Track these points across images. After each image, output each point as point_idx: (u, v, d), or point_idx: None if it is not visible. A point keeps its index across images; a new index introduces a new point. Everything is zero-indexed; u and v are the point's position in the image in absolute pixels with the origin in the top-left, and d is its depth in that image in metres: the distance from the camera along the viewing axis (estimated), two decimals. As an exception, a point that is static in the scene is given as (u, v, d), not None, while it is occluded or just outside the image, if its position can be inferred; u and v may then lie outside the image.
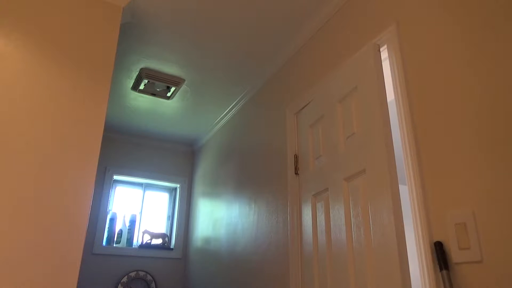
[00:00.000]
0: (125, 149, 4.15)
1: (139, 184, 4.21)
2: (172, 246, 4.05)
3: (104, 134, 3.97)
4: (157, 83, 3.05)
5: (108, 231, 3.80)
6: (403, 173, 1.56)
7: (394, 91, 1.66)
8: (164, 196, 4.36)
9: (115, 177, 4.04)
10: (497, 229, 1.17)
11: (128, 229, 3.90)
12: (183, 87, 3.17)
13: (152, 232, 3.95)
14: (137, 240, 3.95)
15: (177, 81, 3.04)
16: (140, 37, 2.57)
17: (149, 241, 3.91)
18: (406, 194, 1.53)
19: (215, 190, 3.58)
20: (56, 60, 1.90)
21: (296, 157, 2.24)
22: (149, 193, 4.25)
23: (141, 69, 2.93)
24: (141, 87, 3.10)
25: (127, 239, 3.86)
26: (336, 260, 1.72)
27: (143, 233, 3.91)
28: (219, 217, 3.36)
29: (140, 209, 4.12)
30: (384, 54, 1.77)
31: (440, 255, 1.29)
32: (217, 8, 2.30)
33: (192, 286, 3.70)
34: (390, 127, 1.59)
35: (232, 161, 3.30)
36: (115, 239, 3.82)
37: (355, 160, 1.70)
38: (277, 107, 2.67)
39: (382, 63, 1.74)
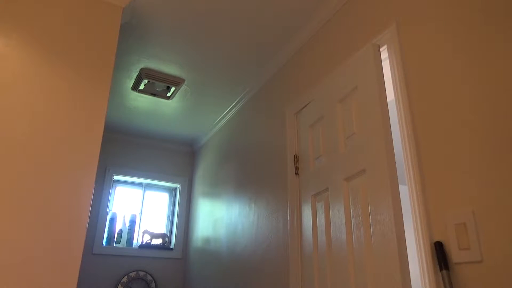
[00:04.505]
0: (125, 149, 4.15)
1: (139, 184, 4.21)
2: (172, 246, 4.05)
3: (104, 134, 3.97)
4: (157, 83, 3.05)
5: (108, 231, 3.80)
6: (403, 173, 1.56)
7: (394, 91, 1.66)
8: (164, 196, 4.36)
9: (115, 177, 4.04)
10: (497, 229, 1.17)
11: (128, 229, 3.90)
12: (183, 87, 3.17)
13: (152, 232, 3.95)
14: (137, 240, 3.95)
15: (177, 81, 3.04)
16: (140, 37, 2.57)
17: (149, 241, 3.91)
18: (406, 194, 1.53)
19: (215, 190, 3.58)
20: (56, 60, 1.90)
21: (296, 157, 2.24)
22: (149, 193, 4.25)
23: (141, 69, 2.93)
24: (141, 87, 3.10)
25: (127, 239, 3.86)
26: (336, 260, 1.72)
27: (143, 233, 3.91)
28: (219, 217, 3.36)
29: (140, 209, 4.12)
30: (384, 54, 1.77)
31: (440, 255, 1.29)
32: (217, 8, 2.30)
33: (192, 286, 3.70)
34: (390, 127, 1.59)
35: (232, 161, 3.30)
36: (115, 239, 3.82)
37: (355, 160, 1.70)
38: (277, 107, 2.67)
39: (382, 63, 1.74)
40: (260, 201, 2.67)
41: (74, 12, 2.03)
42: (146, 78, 2.96)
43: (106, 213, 3.85)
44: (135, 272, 3.75)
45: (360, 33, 1.95)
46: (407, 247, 1.41)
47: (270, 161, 2.64)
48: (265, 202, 2.59)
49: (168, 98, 3.29)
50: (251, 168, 2.91)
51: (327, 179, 1.88)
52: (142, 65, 2.89)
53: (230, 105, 3.45)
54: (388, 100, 1.78)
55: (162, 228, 4.22)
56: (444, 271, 1.25)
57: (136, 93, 3.26)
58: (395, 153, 1.59)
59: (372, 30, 1.86)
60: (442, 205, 1.35)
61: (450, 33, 1.45)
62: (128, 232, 3.89)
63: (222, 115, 3.62)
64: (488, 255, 1.18)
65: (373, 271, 1.50)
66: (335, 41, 2.16)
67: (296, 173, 2.21)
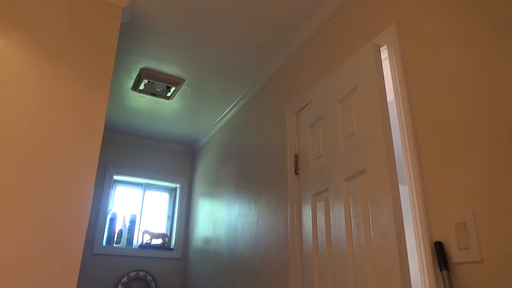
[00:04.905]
0: (125, 149, 4.15)
1: (139, 184, 4.21)
2: (172, 246, 4.05)
3: (104, 134, 3.97)
4: (157, 83, 3.05)
5: (108, 231, 3.80)
6: (403, 173, 1.56)
7: (394, 91, 1.66)
8: (164, 196, 4.36)
9: (115, 177, 4.04)
10: (497, 229, 1.17)
11: (128, 229, 3.90)
12: (183, 87, 3.17)
13: (152, 232, 3.95)
14: (137, 240, 3.95)
15: (177, 81, 3.04)
16: (140, 37, 2.57)
17: (149, 241, 3.91)
18: (406, 194, 1.53)
19: (215, 190, 3.58)
20: (56, 60, 1.90)
21: (296, 157, 2.24)
22: (149, 193, 4.25)
23: (141, 69, 2.93)
24: (141, 87, 3.10)
25: (127, 239, 3.86)
26: (336, 260, 1.72)
27: (143, 233, 3.91)
28: (219, 217, 3.36)
29: (140, 209, 4.12)
30: (384, 54, 1.77)
31: (440, 255, 1.29)
32: (217, 9, 2.30)
33: (192, 286, 3.70)
34: (390, 127, 1.59)
35: (232, 161, 3.31)
36: (115, 239, 3.82)
37: (355, 160, 1.70)
38: (277, 107, 2.67)
39: (382, 63, 1.74)
40: (260, 201, 2.67)
41: (74, 12, 2.03)
42: (146, 78, 2.96)
43: (106, 213, 3.85)
44: (135, 272, 3.75)
45: (360, 33, 1.95)
46: (407, 247, 1.41)
47: (270, 161, 2.64)
48: (265, 202, 2.59)
49: (168, 98, 3.29)
50: (251, 168, 2.91)
51: (327, 179, 1.88)
52: (142, 65, 2.89)
53: (230, 105, 3.45)
54: (388, 100, 1.78)
55: (162, 228, 4.22)
56: (444, 271, 1.25)
57: (136, 93, 3.26)
58: (395, 153, 1.59)
59: (372, 30, 1.86)
60: (442, 205, 1.35)
61: (450, 33, 1.45)
62: (128, 232, 3.89)
63: (222, 115, 3.62)
64: (488, 255, 1.18)
65: (373, 271, 1.50)
66: (335, 41, 2.16)
67: (296, 173, 2.21)
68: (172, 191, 4.40)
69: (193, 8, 2.31)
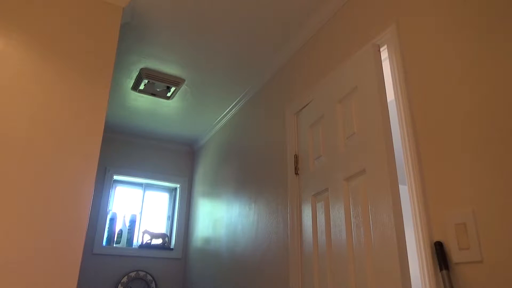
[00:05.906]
0: (125, 149, 4.15)
1: (139, 184, 4.21)
2: (172, 246, 4.05)
3: (104, 134, 3.97)
4: (157, 83, 3.05)
5: (108, 231, 3.80)
6: (403, 173, 1.56)
7: (394, 91, 1.66)
8: (164, 196, 4.36)
9: (115, 177, 4.04)
10: (497, 229, 1.17)
11: (128, 229, 3.90)
12: (183, 87, 3.17)
13: (152, 232, 3.95)
14: (137, 240, 3.95)
15: (177, 81, 3.04)
16: (140, 37, 2.57)
17: (149, 241, 3.91)
18: (406, 194, 1.53)
19: (215, 190, 3.58)
20: (56, 60, 1.90)
21: (296, 157, 2.24)
22: (149, 193, 4.25)
23: (141, 69, 2.93)
24: (141, 87, 3.10)
25: (127, 239, 3.86)
26: (336, 260, 1.72)
27: (143, 233, 3.91)
28: (219, 217, 3.36)
29: (140, 209, 4.12)
30: (384, 54, 1.77)
31: (440, 255, 1.29)
32: (217, 8, 2.30)
33: (192, 286, 3.70)
34: (390, 127, 1.59)
35: (232, 161, 3.31)
36: (115, 239, 3.82)
37: (355, 160, 1.70)
38: (277, 107, 2.67)
39: (382, 63, 1.74)
40: (260, 201, 2.67)
41: (74, 12, 2.03)
42: (146, 78, 2.96)
43: (106, 213, 3.85)
44: (135, 272, 3.75)
45: (360, 33, 1.95)
46: (407, 247, 1.41)
47: (270, 161, 2.64)
48: (265, 202, 2.59)
49: (168, 98, 3.29)
50: (251, 168, 2.91)
51: (327, 179, 1.88)
52: (142, 65, 2.89)
53: (230, 105, 3.45)
54: (388, 100, 1.78)
55: (162, 228, 4.22)
56: (444, 271, 1.25)
57: (136, 93, 3.26)
58: (395, 153, 1.59)
59: (372, 30, 1.86)
60: (442, 205, 1.35)
61: (450, 33, 1.45)
62: (128, 232, 3.89)
63: (222, 115, 3.62)
64: (488, 255, 1.18)
65: (373, 271, 1.50)
66: (335, 41, 2.16)
67: (296, 173, 2.21)
68: (172, 191, 4.40)
69: (193, 8, 2.31)
